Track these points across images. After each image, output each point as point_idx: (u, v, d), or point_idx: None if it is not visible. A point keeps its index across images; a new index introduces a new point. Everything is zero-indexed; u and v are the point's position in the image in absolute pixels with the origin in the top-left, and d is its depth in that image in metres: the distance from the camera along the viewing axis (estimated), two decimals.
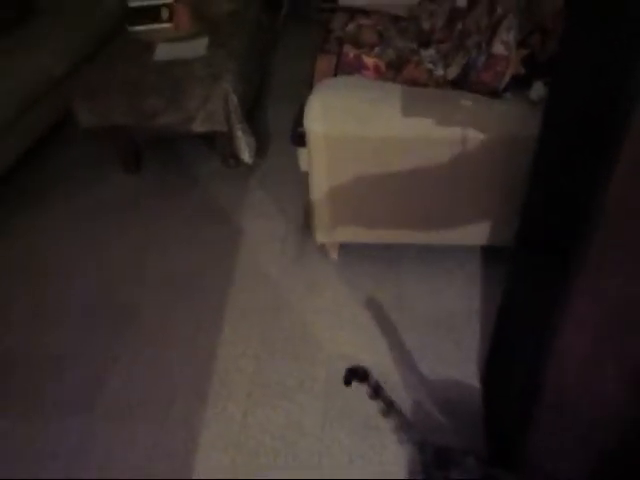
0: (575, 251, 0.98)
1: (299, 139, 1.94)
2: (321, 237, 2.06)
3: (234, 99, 2.44)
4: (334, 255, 2.18)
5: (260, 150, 2.73)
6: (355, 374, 1.28)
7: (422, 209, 1.92)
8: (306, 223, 2.22)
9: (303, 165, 2.08)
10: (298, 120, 1.91)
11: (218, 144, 2.67)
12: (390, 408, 1.32)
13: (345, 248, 2.21)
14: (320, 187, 1.92)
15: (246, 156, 2.58)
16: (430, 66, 2.06)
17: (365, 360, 1.81)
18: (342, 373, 1.77)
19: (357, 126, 1.75)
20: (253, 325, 1.97)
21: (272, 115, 3.15)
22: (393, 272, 2.11)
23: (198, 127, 2.50)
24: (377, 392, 1.29)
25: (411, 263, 2.14)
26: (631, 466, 1.29)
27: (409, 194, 1.88)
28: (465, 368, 1.76)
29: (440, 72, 2.01)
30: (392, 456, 1.54)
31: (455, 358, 1.79)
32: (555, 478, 1.31)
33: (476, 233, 1.97)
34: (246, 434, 1.64)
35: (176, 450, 1.62)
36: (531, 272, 1.28)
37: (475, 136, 1.71)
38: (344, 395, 1.69)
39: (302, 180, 2.05)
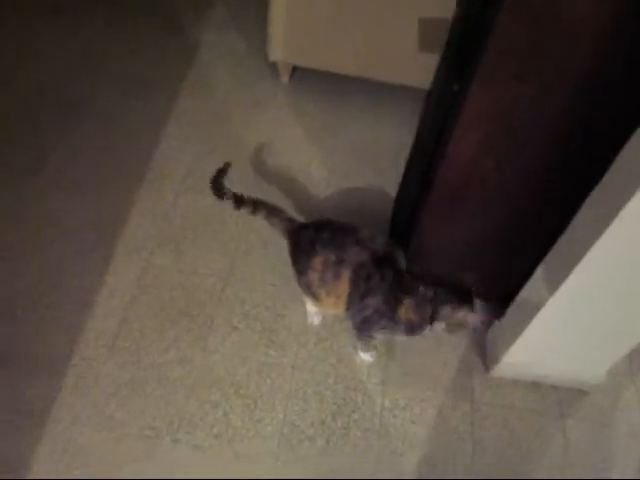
0: (472, 58, 1.11)
1: None
2: (274, 55, 2.11)
3: None
4: (285, 78, 2.25)
5: None
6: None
7: (375, 40, 1.97)
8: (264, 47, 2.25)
9: None
10: None
11: None
12: (255, 207, 1.50)
13: (296, 75, 2.29)
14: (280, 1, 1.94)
15: None
16: None
17: (293, 170, 1.97)
18: (271, 176, 1.95)
19: None
20: (195, 129, 2.07)
21: None
22: (336, 103, 2.22)
23: None
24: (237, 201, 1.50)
25: (355, 98, 2.24)
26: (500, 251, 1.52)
27: (365, 21, 1.92)
28: (382, 190, 1.94)
29: None
30: None
31: (375, 181, 1.97)
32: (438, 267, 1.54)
33: (421, 75, 2.05)
34: (175, 212, 1.81)
35: (106, 219, 1.77)
36: (440, 94, 1.41)
37: None
38: (270, 195, 1.85)
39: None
